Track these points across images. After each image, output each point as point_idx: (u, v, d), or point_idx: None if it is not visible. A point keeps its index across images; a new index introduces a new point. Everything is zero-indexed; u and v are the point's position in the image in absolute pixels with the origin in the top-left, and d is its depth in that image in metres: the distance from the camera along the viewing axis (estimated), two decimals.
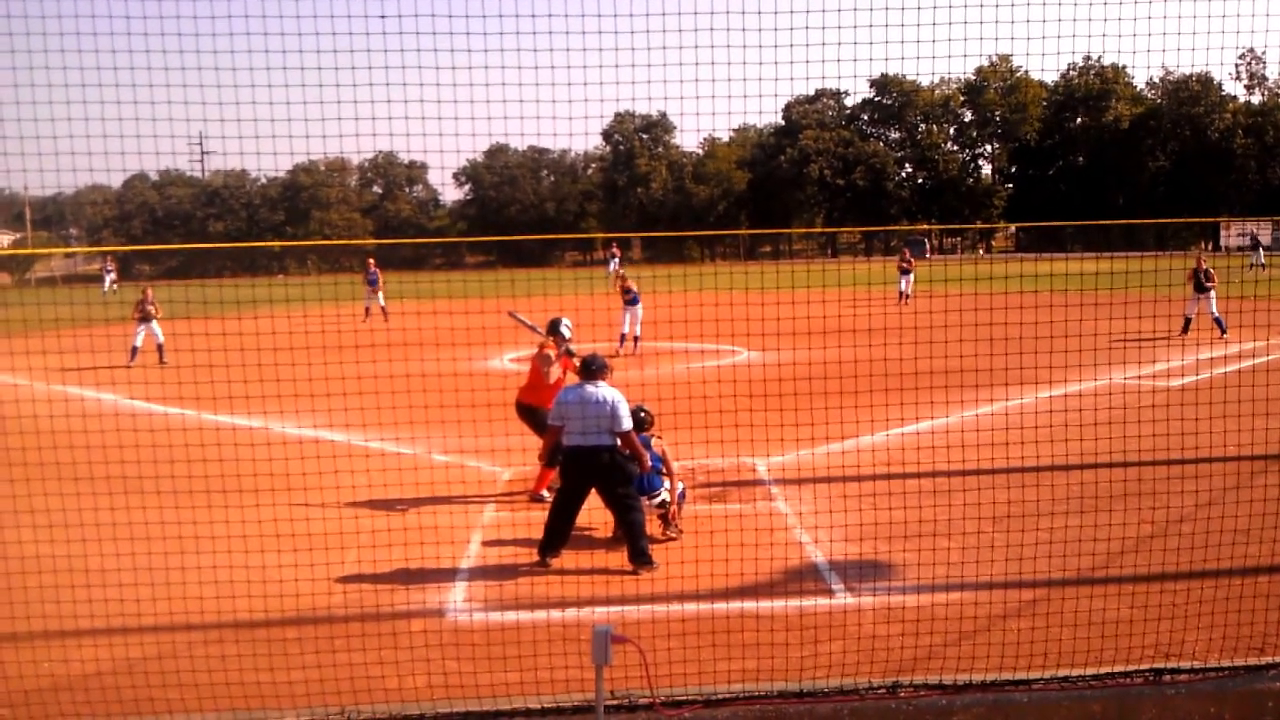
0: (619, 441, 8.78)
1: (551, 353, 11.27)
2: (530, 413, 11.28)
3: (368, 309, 34.81)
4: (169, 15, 6.44)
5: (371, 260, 36.41)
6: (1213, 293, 24.33)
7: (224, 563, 7.44)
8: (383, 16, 6.57)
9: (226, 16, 6.65)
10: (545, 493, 11.06)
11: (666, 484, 9.53)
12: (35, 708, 6.38)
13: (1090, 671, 6.31)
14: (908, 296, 36.23)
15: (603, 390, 8.83)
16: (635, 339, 24.72)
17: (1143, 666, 6.35)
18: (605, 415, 8.68)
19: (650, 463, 9.23)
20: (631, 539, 8.74)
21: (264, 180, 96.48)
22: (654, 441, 9.59)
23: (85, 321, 25.84)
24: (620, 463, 8.77)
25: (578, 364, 10.71)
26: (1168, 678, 6.25)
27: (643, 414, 9.65)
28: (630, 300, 24.76)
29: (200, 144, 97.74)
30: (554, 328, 11.57)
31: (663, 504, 9.46)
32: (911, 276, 37.05)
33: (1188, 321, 24.41)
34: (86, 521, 8.16)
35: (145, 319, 24.52)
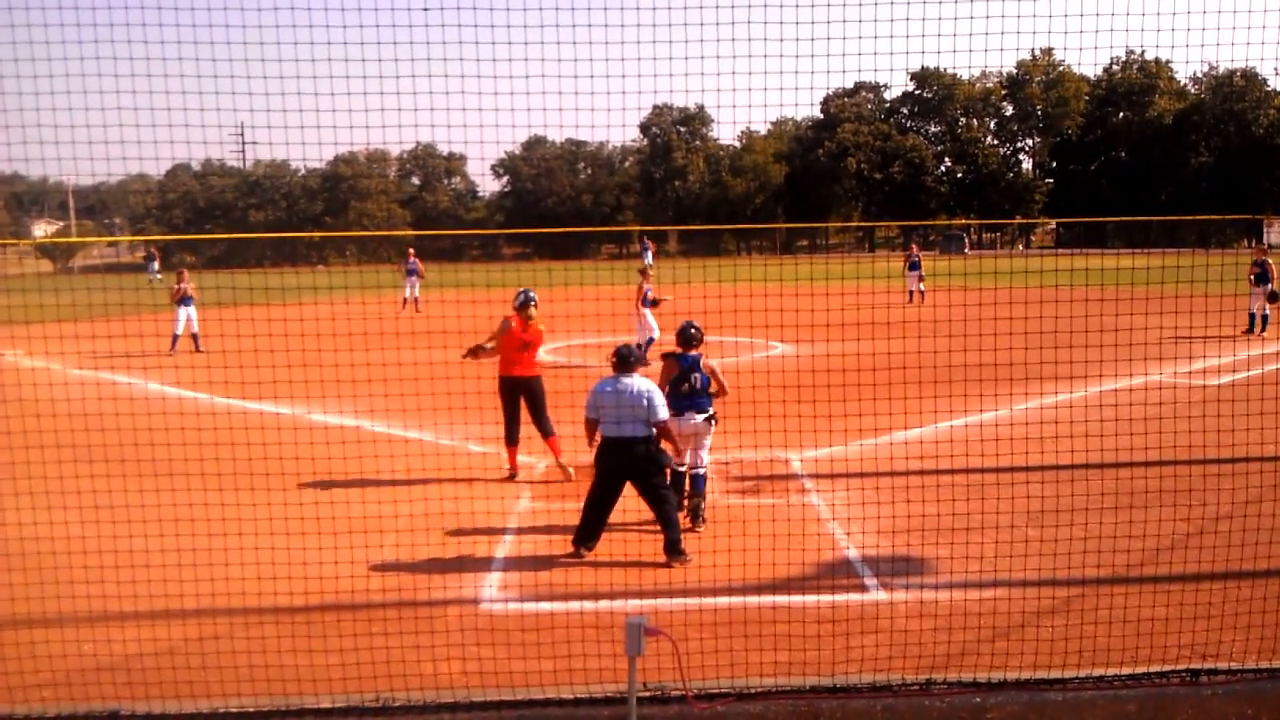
0: (654, 431, 8.83)
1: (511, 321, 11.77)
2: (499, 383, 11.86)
3: (405, 299, 35.02)
4: (215, 7, 6.53)
5: (411, 251, 36.49)
6: (1267, 287, 23.69)
7: (265, 545, 7.55)
8: (425, 9, 6.63)
9: (273, 9, 6.73)
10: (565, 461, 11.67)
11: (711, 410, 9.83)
12: (76, 688, 6.50)
13: (1126, 671, 6.27)
14: (921, 294, 34.19)
15: (637, 382, 8.86)
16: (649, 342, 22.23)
17: (1179, 667, 6.31)
18: (641, 406, 8.72)
19: (700, 384, 9.75)
20: (665, 530, 8.77)
21: (304, 171, 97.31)
22: (703, 362, 9.84)
23: (134, 308, 26.26)
24: (655, 453, 8.82)
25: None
26: (1204, 678, 6.21)
27: (693, 330, 9.97)
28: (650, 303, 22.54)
29: (242, 134, 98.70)
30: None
31: (710, 419, 9.75)
32: (920, 272, 34.64)
33: (1253, 318, 23.85)
34: (130, 504, 8.29)
35: (183, 301, 24.73)
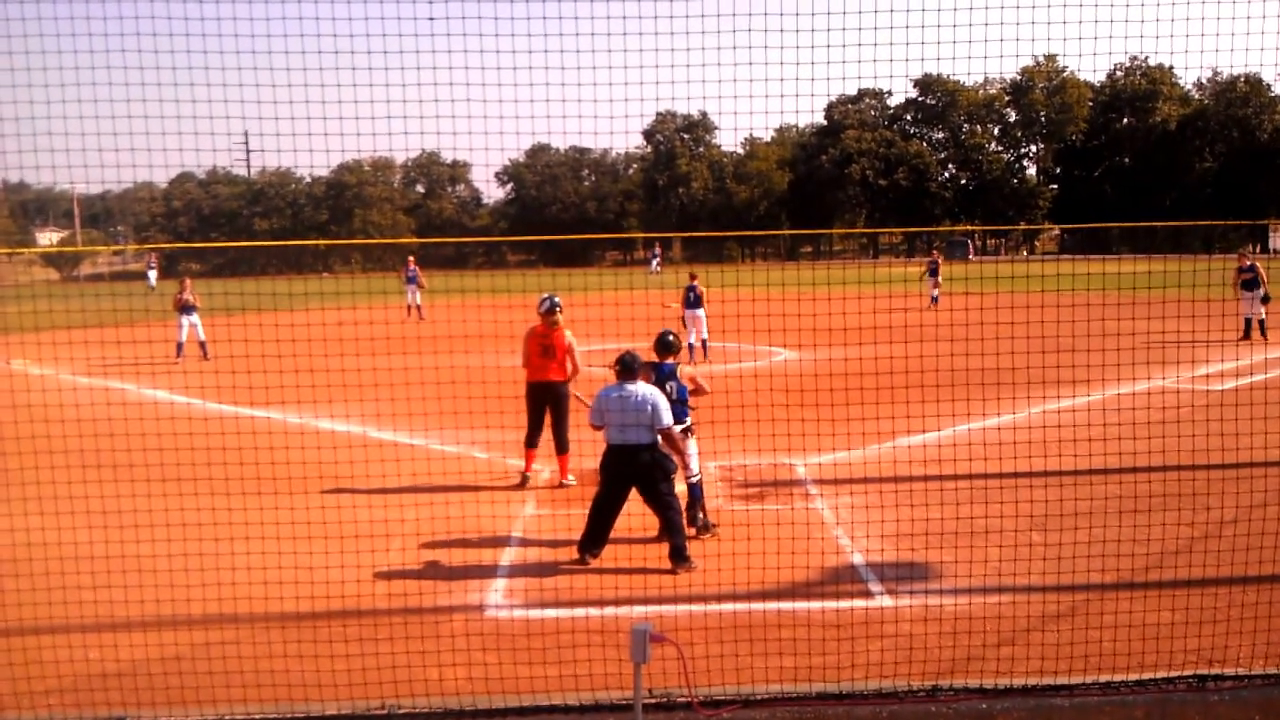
0: (659, 439, 8.82)
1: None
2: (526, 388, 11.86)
3: (409, 306, 35.19)
4: (225, 17, 6.56)
5: (412, 259, 36.57)
6: (1260, 291, 23.78)
7: (270, 551, 7.56)
8: (430, 19, 6.66)
9: (281, 19, 6.77)
10: (571, 478, 11.55)
11: (690, 419, 9.75)
12: (83, 694, 6.51)
13: (1132, 677, 6.26)
14: (935, 299, 34.65)
15: (641, 389, 8.85)
16: (703, 343, 23.16)
17: (1186, 673, 6.30)
18: (645, 413, 8.70)
19: (676, 393, 9.56)
20: (671, 537, 8.76)
21: (309, 179, 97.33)
22: (680, 370, 9.73)
23: (141, 313, 26.31)
24: (660, 460, 8.80)
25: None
26: (1211, 684, 6.20)
27: (670, 338, 9.87)
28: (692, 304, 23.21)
29: (246, 143, 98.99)
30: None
31: (686, 430, 9.65)
32: (937, 279, 35.22)
33: (1248, 324, 23.90)
34: (137, 509, 8.31)
35: (185, 310, 24.72)
